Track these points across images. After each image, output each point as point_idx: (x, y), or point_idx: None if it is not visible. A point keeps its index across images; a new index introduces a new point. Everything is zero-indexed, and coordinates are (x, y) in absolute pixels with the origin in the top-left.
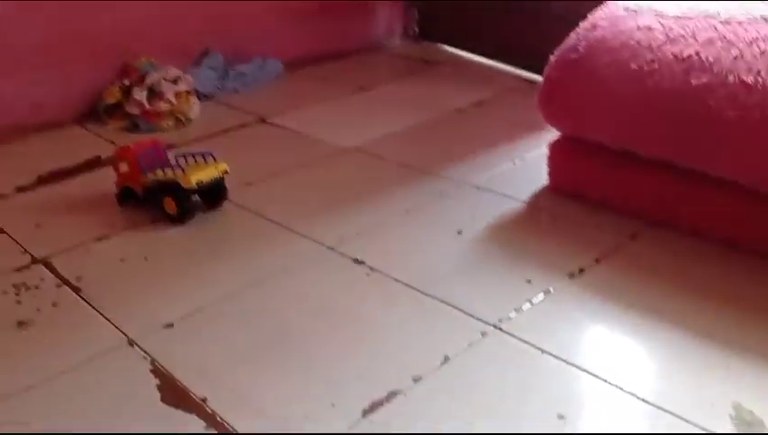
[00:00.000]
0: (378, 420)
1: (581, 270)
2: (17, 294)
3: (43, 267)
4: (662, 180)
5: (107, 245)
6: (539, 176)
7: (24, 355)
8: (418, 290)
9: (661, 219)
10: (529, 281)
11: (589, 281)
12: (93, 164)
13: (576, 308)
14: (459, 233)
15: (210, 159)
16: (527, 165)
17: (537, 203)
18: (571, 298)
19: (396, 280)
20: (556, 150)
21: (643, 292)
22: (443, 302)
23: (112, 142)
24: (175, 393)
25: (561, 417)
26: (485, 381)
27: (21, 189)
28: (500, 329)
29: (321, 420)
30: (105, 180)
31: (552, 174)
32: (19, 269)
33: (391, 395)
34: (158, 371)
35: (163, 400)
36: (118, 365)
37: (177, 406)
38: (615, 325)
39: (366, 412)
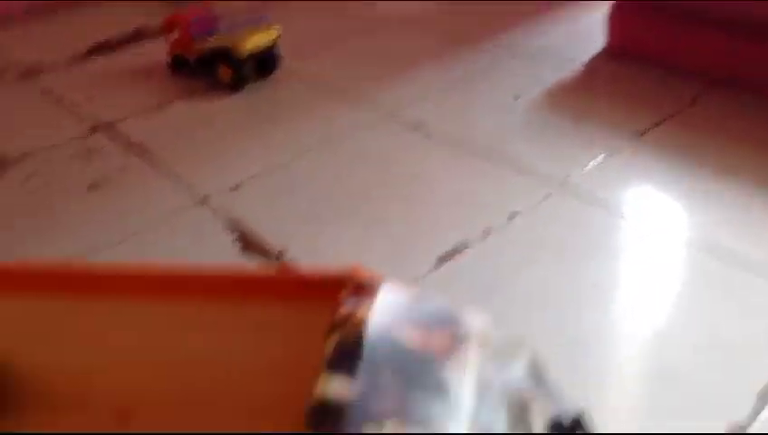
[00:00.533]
0: (450, 270)
1: (644, 130)
2: (85, 159)
3: (105, 134)
4: (730, 37)
5: (164, 112)
6: (595, 39)
7: (99, 216)
8: (481, 152)
9: (724, 78)
10: (591, 142)
11: (651, 141)
12: (144, 34)
13: (638, 167)
14: (517, 98)
15: (263, 24)
16: (583, 29)
17: (595, 66)
18: (634, 158)
19: (457, 143)
20: (616, 11)
21: (706, 150)
22: (507, 163)
23: (161, 13)
24: (252, 246)
25: (625, 272)
26: (552, 235)
27: (74, 60)
28: (565, 187)
29: (396, 270)
30: (157, 50)
31: (610, 36)
32: (83, 136)
33: (462, 246)
34: (232, 226)
35: (243, 250)
36: (192, 222)
37: (256, 258)
38: (677, 183)
39: (439, 261)
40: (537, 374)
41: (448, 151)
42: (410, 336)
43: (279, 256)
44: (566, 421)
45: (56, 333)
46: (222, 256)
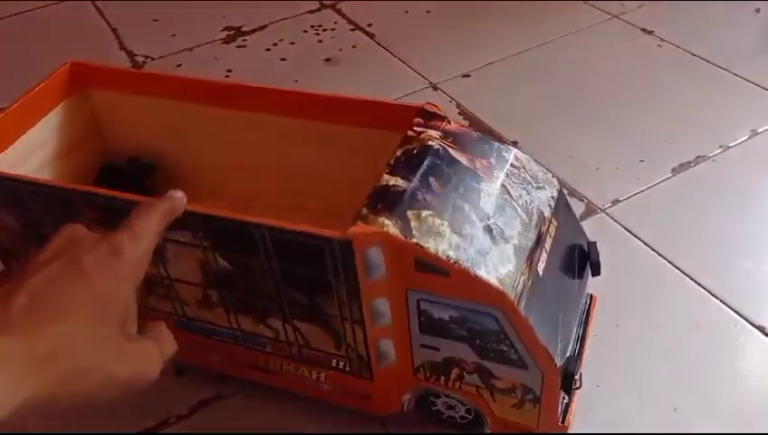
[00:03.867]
0: (687, 179)
1: None
2: (317, 34)
3: (333, 12)
4: None
5: None
6: None
7: (337, 88)
8: (718, 65)
9: None
10: None
11: None
12: None
13: None
14: (757, 11)
15: None
16: None
17: None
18: None
19: (692, 54)
20: None
21: None
22: (746, 80)
23: None
24: (486, 135)
25: None
26: None
27: None
28: None
29: (631, 174)
30: None
31: None
32: (312, 12)
33: (699, 159)
34: (465, 113)
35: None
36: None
37: None
38: None
39: (675, 171)
40: (560, 206)
41: (683, 61)
42: (462, 156)
43: (514, 144)
44: (579, 248)
45: (201, 136)
46: None
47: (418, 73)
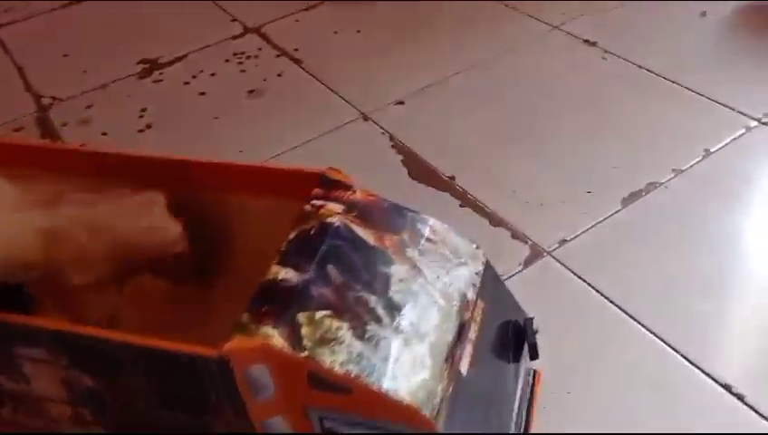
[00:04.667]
0: (638, 210)
1: None
2: (240, 63)
3: (258, 37)
4: None
5: (315, 15)
6: None
7: (260, 124)
8: (666, 78)
9: None
10: None
11: None
12: None
13: None
14: (703, 15)
15: None
16: None
17: None
18: None
19: (638, 66)
20: None
21: None
22: (697, 93)
23: None
24: (421, 170)
25: None
26: (751, 176)
27: None
28: (765, 124)
29: (578, 208)
30: None
31: None
32: (234, 38)
33: (650, 186)
34: (399, 146)
35: (411, 175)
36: (357, 139)
37: (427, 183)
38: None
39: (625, 201)
40: (487, 282)
41: (630, 75)
42: (368, 233)
43: (451, 180)
44: (513, 327)
45: None
46: (392, 177)
47: (348, 102)
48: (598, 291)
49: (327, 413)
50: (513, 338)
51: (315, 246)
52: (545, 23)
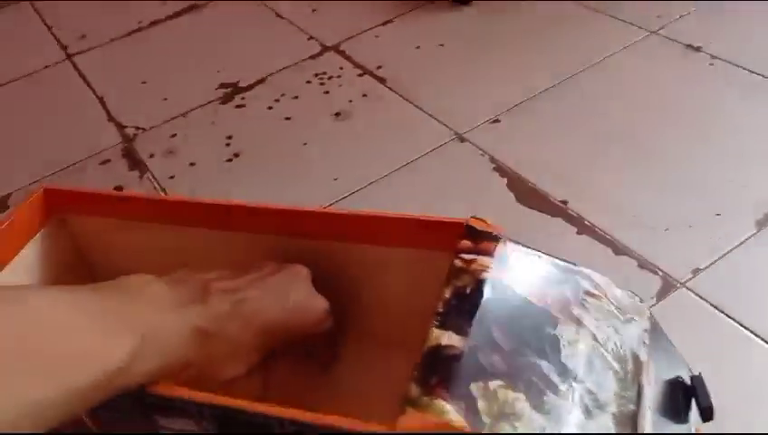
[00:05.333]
0: None
1: None
2: (322, 84)
3: (337, 55)
4: None
5: (394, 30)
6: None
7: (351, 149)
8: None
9: None
10: None
11: None
12: None
13: None
14: None
15: None
16: None
17: None
18: None
19: (750, 71)
20: None
21: None
22: None
23: None
24: (529, 194)
25: None
26: None
27: None
28: None
29: (708, 232)
30: None
31: None
32: (313, 57)
33: None
34: (501, 169)
35: (518, 200)
36: (456, 162)
37: (537, 208)
38: None
39: (760, 224)
40: (656, 338)
41: (742, 83)
42: (526, 290)
43: (563, 204)
44: (682, 385)
45: (198, 259)
46: (500, 204)
47: (440, 122)
48: (744, 326)
49: None
50: (683, 395)
51: (473, 306)
52: (641, 27)
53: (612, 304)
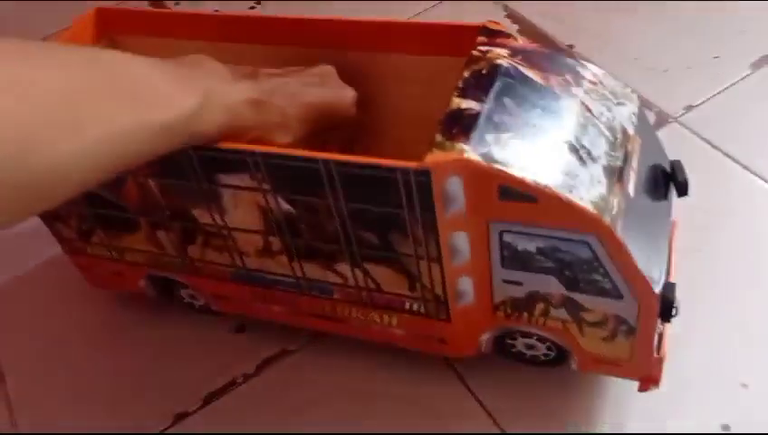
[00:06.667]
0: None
1: None
2: None
3: None
4: None
5: None
6: None
7: None
8: None
9: None
10: None
11: None
12: None
13: None
14: None
15: None
16: None
17: None
18: None
19: None
20: None
21: None
22: None
23: None
24: (537, 39)
25: None
26: None
27: None
28: None
29: (705, 73)
30: None
31: None
32: None
33: None
34: (513, 16)
35: None
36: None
37: None
38: None
39: (755, 66)
40: (641, 122)
41: None
42: (534, 74)
43: (569, 48)
44: (662, 168)
45: None
46: None
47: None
48: (729, 156)
49: (509, 226)
50: (662, 177)
51: (489, 82)
52: None
53: (607, 89)
